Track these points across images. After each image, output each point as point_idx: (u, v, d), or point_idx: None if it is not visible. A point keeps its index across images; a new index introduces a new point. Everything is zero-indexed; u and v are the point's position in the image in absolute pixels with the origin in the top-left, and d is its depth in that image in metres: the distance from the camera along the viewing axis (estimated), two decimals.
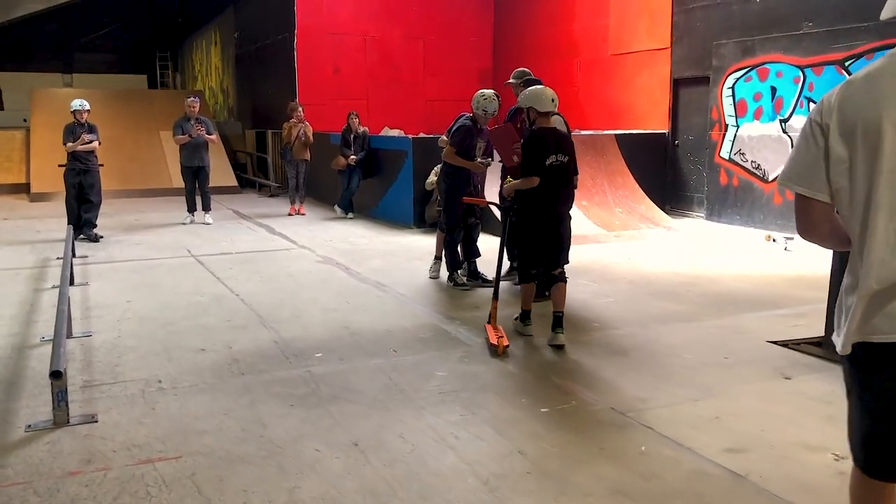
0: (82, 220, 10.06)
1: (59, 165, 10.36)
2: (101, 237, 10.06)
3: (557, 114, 6.53)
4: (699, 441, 3.77)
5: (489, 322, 5.69)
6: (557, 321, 5.41)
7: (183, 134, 11.45)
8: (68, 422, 3.98)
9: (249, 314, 6.29)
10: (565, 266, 5.71)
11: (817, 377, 4.71)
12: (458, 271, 7.32)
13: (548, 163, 5.38)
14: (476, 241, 7.46)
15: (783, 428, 3.94)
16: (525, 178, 5.44)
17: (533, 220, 5.56)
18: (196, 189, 11.77)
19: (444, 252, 7.43)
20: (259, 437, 3.85)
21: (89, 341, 5.53)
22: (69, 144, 9.96)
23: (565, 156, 5.46)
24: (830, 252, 5.26)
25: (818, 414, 4.12)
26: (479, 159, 7.17)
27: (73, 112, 10.08)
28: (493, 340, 5.31)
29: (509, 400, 4.34)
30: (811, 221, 2.17)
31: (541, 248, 5.56)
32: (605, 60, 14.05)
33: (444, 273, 7.50)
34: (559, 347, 5.31)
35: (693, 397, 4.38)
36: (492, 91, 7.23)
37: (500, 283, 5.89)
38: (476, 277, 7.34)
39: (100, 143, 10.26)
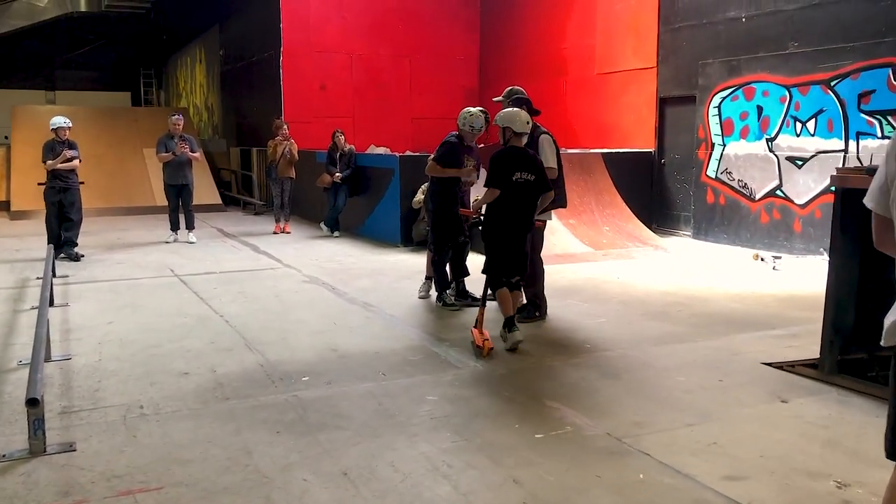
0: (63, 239, 9.89)
1: (39, 184, 10.16)
2: (83, 256, 9.88)
3: (546, 132, 6.50)
4: (698, 468, 3.68)
5: (476, 326, 5.81)
6: (509, 322, 5.75)
7: (166, 152, 11.30)
8: (45, 451, 3.82)
9: (234, 336, 6.15)
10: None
11: (814, 400, 4.64)
12: (448, 291, 7.22)
13: (514, 178, 5.70)
14: (465, 260, 7.36)
15: (783, 453, 3.85)
16: (488, 191, 5.80)
17: (500, 231, 5.85)
18: (179, 207, 11.61)
19: (432, 271, 7.33)
20: (245, 466, 3.72)
21: (69, 365, 5.37)
22: (49, 162, 9.76)
23: (531, 174, 5.76)
24: (825, 271, 5.22)
25: (817, 438, 4.04)
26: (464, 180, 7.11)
27: (55, 129, 9.88)
28: (479, 342, 5.59)
29: (503, 425, 4.23)
30: (879, 235, 2.50)
31: (506, 258, 5.86)
32: (591, 79, 14.07)
33: (434, 293, 7.40)
34: (513, 349, 5.67)
35: (690, 422, 4.29)
36: (478, 108, 7.17)
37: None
38: (465, 297, 7.23)
39: (80, 161, 10.09)
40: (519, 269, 5.93)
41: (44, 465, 3.72)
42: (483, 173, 6.99)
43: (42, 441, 3.84)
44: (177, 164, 11.38)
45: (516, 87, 7.20)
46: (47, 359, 5.23)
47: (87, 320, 6.70)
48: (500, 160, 5.78)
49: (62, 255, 9.72)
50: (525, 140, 5.97)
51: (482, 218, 6.06)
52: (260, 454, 3.85)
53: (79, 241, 10.07)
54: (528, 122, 5.90)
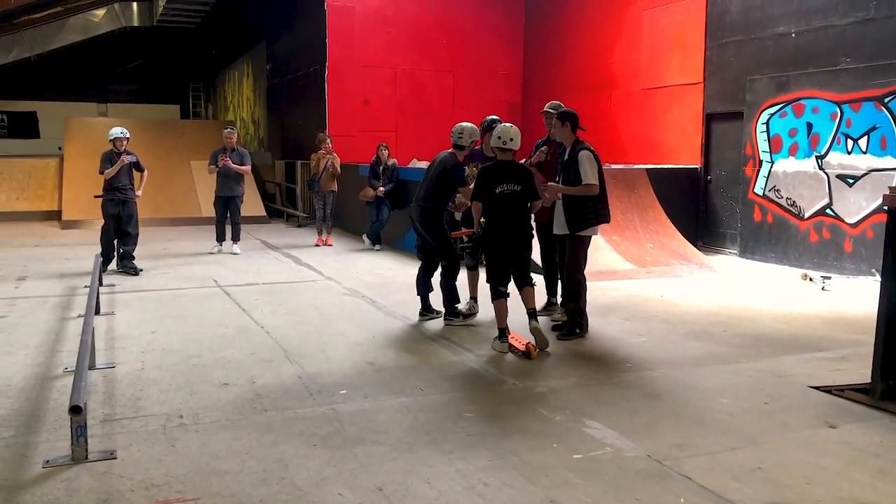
0: (122, 253, 9.82)
1: (96, 196, 9.99)
2: (142, 270, 9.77)
3: (587, 148, 6.44)
4: (741, 493, 3.58)
5: (504, 338, 6.09)
6: (532, 314, 6.10)
7: (213, 164, 11.50)
8: (87, 458, 3.88)
9: (274, 347, 6.19)
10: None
11: (864, 426, 4.49)
12: (458, 305, 7.17)
13: (497, 191, 6.05)
14: (432, 276, 7.30)
15: (831, 481, 3.73)
16: (473, 204, 6.26)
17: (492, 242, 6.20)
18: (227, 219, 11.77)
19: (442, 287, 7.23)
20: (281, 479, 3.72)
21: (112, 373, 5.46)
22: (108, 171, 9.62)
23: (517, 184, 6.06)
24: (876, 293, 5.06)
25: (868, 467, 3.90)
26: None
27: (113, 140, 9.76)
28: (521, 347, 5.94)
29: (539, 444, 4.17)
30: None
31: (501, 267, 6.17)
32: (637, 94, 13.95)
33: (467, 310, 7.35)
34: (539, 335, 6.01)
35: (733, 445, 4.18)
36: (463, 123, 7.21)
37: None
38: (429, 311, 7.23)
39: (145, 173, 10.05)
40: (522, 276, 6.20)
41: (85, 471, 3.77)
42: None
43: (84, 448, 3.90)
44: (224, 177, 11.55)
45: (557, 102, 7.25)
46: (92, 367, 5.32)
47: (131, 329, 6.81)
48: (483, 175, 6.19)
49: (120, 269, 9.77)
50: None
51: (475, 235, 6.47)
52: (296, 467, 3.85)
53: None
54: (499, 139, 6.14)
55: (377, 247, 12.27)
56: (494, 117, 7.44)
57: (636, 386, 5.28)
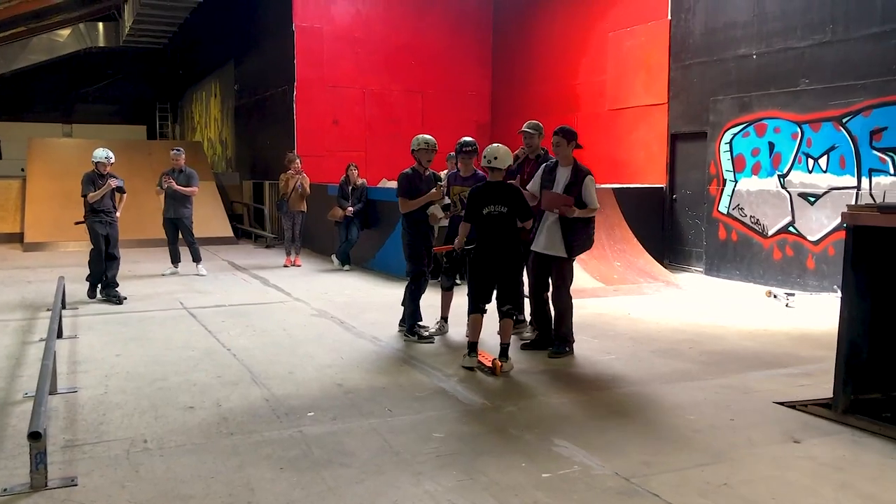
0: (106, 280, 9.31)
1: (77, 223, 9.61)
2: (125, 298, 9.21)
3: (589, 173, 6.48)
4: None
5: (474, 353, 6.15)
6: (503, 351, 6.09)
7: (158, 186, 11.31)
8: (46, 485, 3.79)
9: (241, 370, 6.12)
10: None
11: (828, 441, 4.55)
12: (419, 324, 7.20)
13: (485, 212, 6.10)
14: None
15: (795, 496, 3.77)
16: (461, 224, 6.35)
17: (477, 261, 6.24)
18: (179, 240, 11.64)
19: (406, 302, 7.30)
20: (247, 502, 3.67)
21: (74, 397, 5.35)
22: (91, 194, 9.19)
23: (504, 206, 6.09)
24: (835, 309, 5.15)
25: (831, 481, 3.95)
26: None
27: (96, 163, 9.35)
28: (488, 363, 6.03)
29: (509, 464, 4.16)
30: None
31: (483, 285, 6.23)
32: (603, 115, 14.12)
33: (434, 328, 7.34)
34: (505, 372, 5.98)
35: (700, 462, 4.21)
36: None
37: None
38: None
39: (124, 193, 9.75)
40: (506, 297, 6.22)
41: (44, 499, 3.69)
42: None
43: (44, 475, 3.81)
44: (171, 198, 11.41)
45: (536, 122, 7.32)
46: (53, 391, 5.22)
47: (94, 352, 6.69)
48: (473, 196, 6.23)
49: (104, 297, 9.29)
50: (499, 175, 6.23)
51: (454, 254, 6.61)
52: (262, 491, 3.79)
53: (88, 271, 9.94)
54: (485, 157, 6.17)
55: (346, 267, 12.22)
56: (468, 139, 7.42)
57: (604, 404, 5.30)
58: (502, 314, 6.21)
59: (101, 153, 9.47)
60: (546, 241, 6.56)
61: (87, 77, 30.67)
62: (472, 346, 6.19)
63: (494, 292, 6.31)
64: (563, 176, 6.55)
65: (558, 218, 6.45)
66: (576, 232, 6.48)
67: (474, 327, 6.21)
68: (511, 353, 6.26)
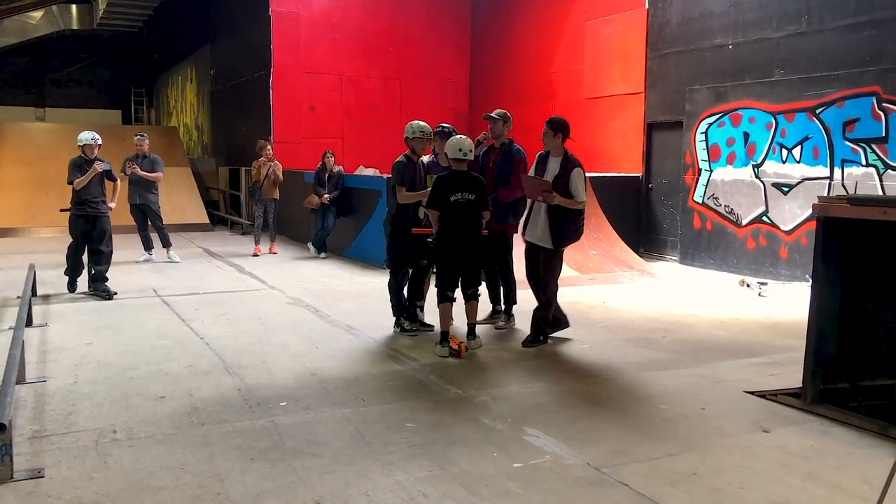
0: (93, 274, 8.74)
1: (62, 210, 8.99)
2: (115, 294, 8.67)
3: (579, 165, 6.44)
4: (677, 499, 3.63)
5: (446, 342, 6.25)
6: (471, 331, 6.41)
7: (122, 171, 10.99)
8: (12, 477, 3.74)
9: (214, 359, 6.07)
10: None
11: (797, 430, 4.60)
12: (404, 315, 7.11)
13: (452, 199, 6.22)
14: (424, 283, 7.21)
15: (764, 485, 3.81)
16: (429, 211, 6.38)
17: (444, 248, 6.36)
18: (148, 226, 11.53)
19: (391, 297, 7.17)
20: (216, 494, 3.65)
21: (43, 387, 5.29)
22: (78, 180, 8.59)
23: (472, 194, 6.25)
24: (806, 298, 5.20)
25: (799, 470, 4.00)
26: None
27: (82, 146, 8.78)
28: (454, 346, 6.20)
29: (481, 454, 4.17)
30: None
31: (450, 272, 6.37)
32: (580, 104, 14.13)
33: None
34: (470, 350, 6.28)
35: (671, 451, 4.24)
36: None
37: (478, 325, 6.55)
38: (414, 320, 7.11)
39: (117, 181, 9.32)
40: (470, 281, 6.42)
41: (10, 492, 3.64)
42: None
43: (9, 467, 3.76)
44: (135, 184, 11.28)
45: (503, 111, 7.29)
46: (21, 381, 5.16)
47: (65, 341, 6.62)
48: (439, 183, 6.32)
49: (92, 291, 8.76)
50: (465, 165, 6.30)
51: (432, 239, 6.54)
52: (232, 482, 3.77)
53: (63, 259, 9.70)
54: (460, 150, 6.25)
55: (323, 255, 12.16)
56: (447, 125, 7.39)
57: (577, 393, 5.33)
58: (468, 297, 6.40)
59: (87, 135, 8.90)
60: (536, 231, 6.56)
61: (61, 60, 30.20)
62: (444, 336, 6.27)
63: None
64: (553, 167, 6.53)
65: (547, 208, 6.43)
66: (562, 223, 6.44)
67: (445, 316, 6.30)
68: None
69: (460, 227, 6.29)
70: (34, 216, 15.10)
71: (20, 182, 15.67)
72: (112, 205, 9.07)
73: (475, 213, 6.33)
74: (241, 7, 18.20)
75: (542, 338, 6.65)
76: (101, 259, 8.78)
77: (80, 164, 8.76)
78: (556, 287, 6.69)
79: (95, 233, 8.74)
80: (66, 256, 8.91)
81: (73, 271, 8.89)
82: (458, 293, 6.44)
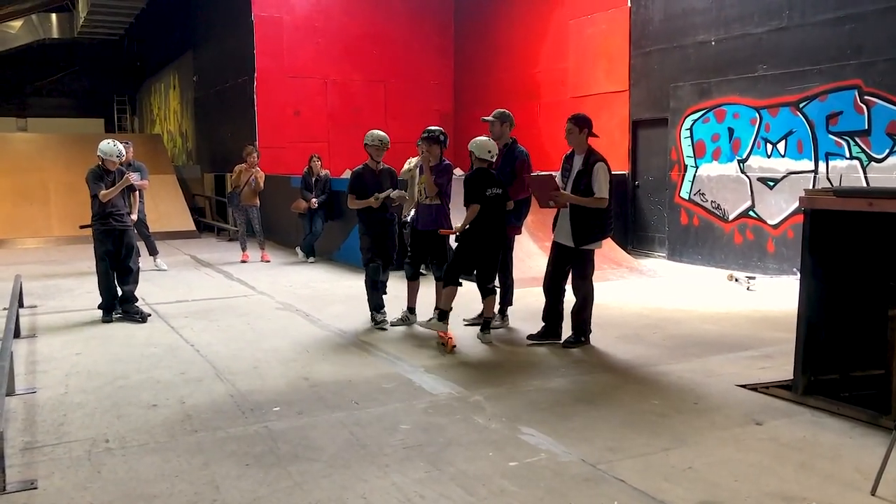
0: (123, 295, 7.88)
1: (82, 227, 8.21)
2: (149, 315, 7.89)
3: (602, 160, 6.43)
4: (673, 494, 3.64)
5: (445, 319, 6.57)
6: (486, 324, 6.79)
7: None
8: (4, 489, 3.70)
9: (205, 366, 6.04)
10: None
11: (788, 422, 4.63)
12: (379, 311, 7.31)
13: (488, 193, 6.53)
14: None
15: (757, 477, 3.83)
16: (471, 207, 6.55)
17: (476, 239, 6.62)
18: (134, 235, 11.39)
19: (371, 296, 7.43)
20: (212, 501, 3.63)
21: (33, 398, 5.24)
22: (104, 192, 7.72)
23: (499, 188, 6.61)
24: (794, 291, 5.24)
25: (792, 461, 4.02)
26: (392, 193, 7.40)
27: (104, 160, 7.86)
28: (444, 339, 6.43)
29: (476, 454, 4.17)
30: None
31: (472, 261, 6.69)
32: (564, 103, 14.15)
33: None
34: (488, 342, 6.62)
35: (665, 446, 4.26)
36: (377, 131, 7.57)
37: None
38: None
39: (136, 190, 8.54)
40: (488, 275, 6.72)
41: None
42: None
43: (1, 479, 3.72)
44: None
45: (502, 111, 7.24)
46: (11, 392, 5.11)
47: (54, 351, 6.57)
48: (473, 180, 6.59)
49: (120, 314, 7.87)
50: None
51: (457, 235, 6.81)
52: (227, 488, 3.76)
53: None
54: (489, 152, 6.61)
55: (311, 259, 12.13)
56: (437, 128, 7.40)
57: (570, 391, 5.34)
58: (486, 291, 6.74)
59: (111, 147, 7.90)
60: (562, 229, 6.50)
61: (42, 70, 29.99)
62: (444, 314, 6.57)
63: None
64: (577, 164, 6.47)
65: (570, 204, 6.35)
66: (583, 220, 6.32)
67: (450, 297, 6.60)
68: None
69: (495, 218, 6.60)
70: (17, 227, 14.94)
71: (2, 193, 15.53)
72: (134, 216, 8.27)
73: (504, 208, 6.70)
74: (224, 12, 18.14)
75: (582, 339, 6.58)
76: (131, 278, 7.92)
77: (102, 175, 7.86)
78: (589, 287, 6.58)
79: (124, 248, 7.87)
80: (98, 283, 7.89)
81: (109, 295, 7.83)
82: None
